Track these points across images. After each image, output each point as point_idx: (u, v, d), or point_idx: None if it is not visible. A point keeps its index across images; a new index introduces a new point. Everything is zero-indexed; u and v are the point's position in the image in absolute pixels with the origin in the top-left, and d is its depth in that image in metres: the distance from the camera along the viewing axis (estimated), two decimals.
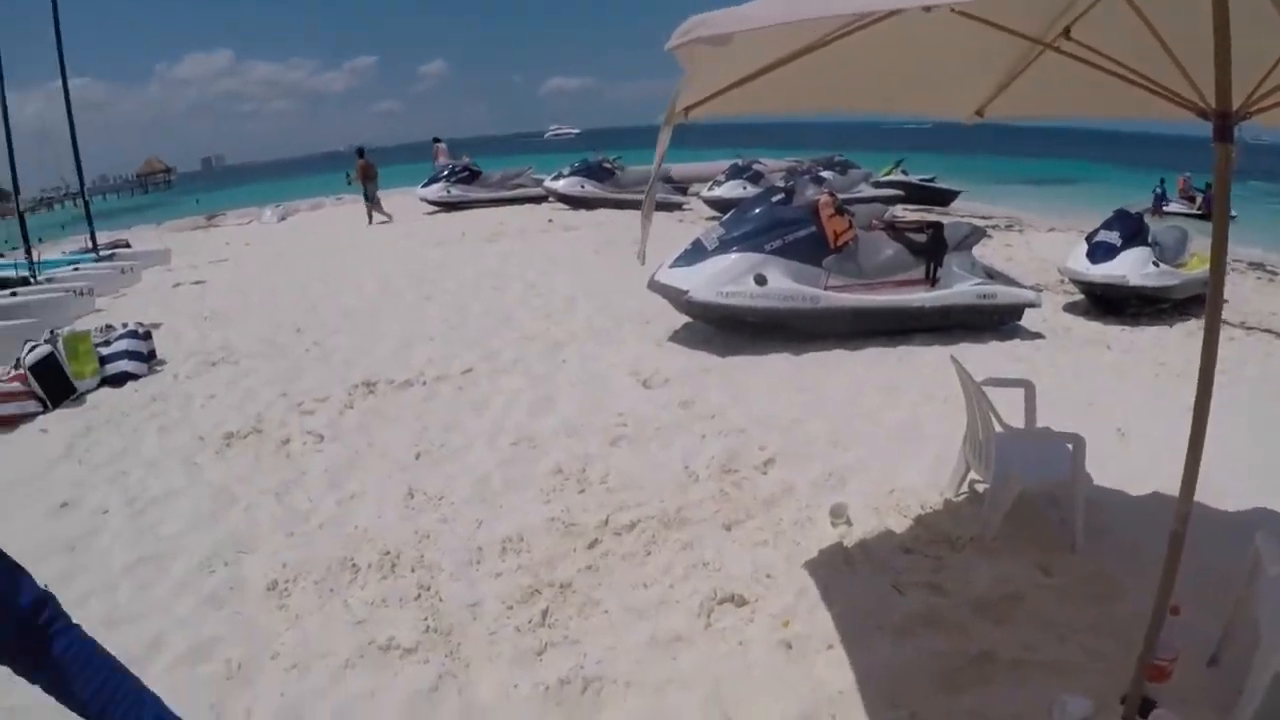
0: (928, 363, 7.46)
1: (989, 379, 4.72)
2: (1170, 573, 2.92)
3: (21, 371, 8.37)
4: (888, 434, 5.90)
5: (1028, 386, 4.91)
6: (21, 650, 1.57)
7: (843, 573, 4.26)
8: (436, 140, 29.65)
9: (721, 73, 3.28)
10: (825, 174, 17.56)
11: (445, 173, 24.43)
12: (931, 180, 24.28)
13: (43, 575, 5.04)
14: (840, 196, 9.50)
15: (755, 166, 20.03)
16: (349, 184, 25.22)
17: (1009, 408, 4.74)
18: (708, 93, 3.41)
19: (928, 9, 2.54)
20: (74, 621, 1.67)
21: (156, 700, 1.67)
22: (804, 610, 3.99)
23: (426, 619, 4.32)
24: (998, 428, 4.49)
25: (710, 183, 20.25)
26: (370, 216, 22.94)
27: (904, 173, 24.14)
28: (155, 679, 4.15)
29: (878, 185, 21.56)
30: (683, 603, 4.17)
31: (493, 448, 6.32)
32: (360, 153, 23.40)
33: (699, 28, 2.41)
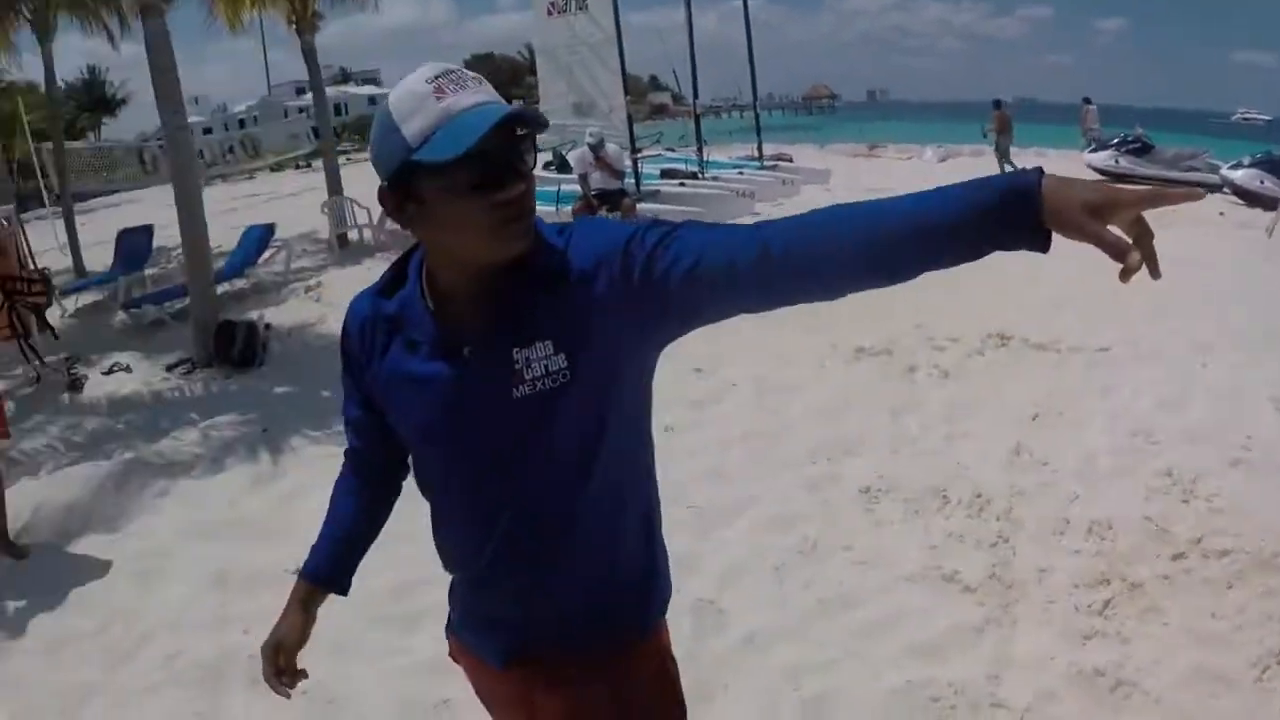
0: None
1: None
2: None
3: None
4: None
5: None
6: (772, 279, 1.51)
7: None
8: (1087, 101, 28.18)
9: None
10: None
11: (1117, 140, 23.10)
12: None
13: (666, 420, 6.14)
14: None
15: None
16: (984, 136, 24.99)
17: None
18: None
19: None
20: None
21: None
22: None
23: (994, 566, 4.71)
24: None
25: None
26: (1001, 168, 22.69)
27: None
28: (736, 532, 4.95)
29: None
30: (1244, 648, 4.08)
31: (1109, 431, 6.35)
32: (997, 104, 23.59)
33: None
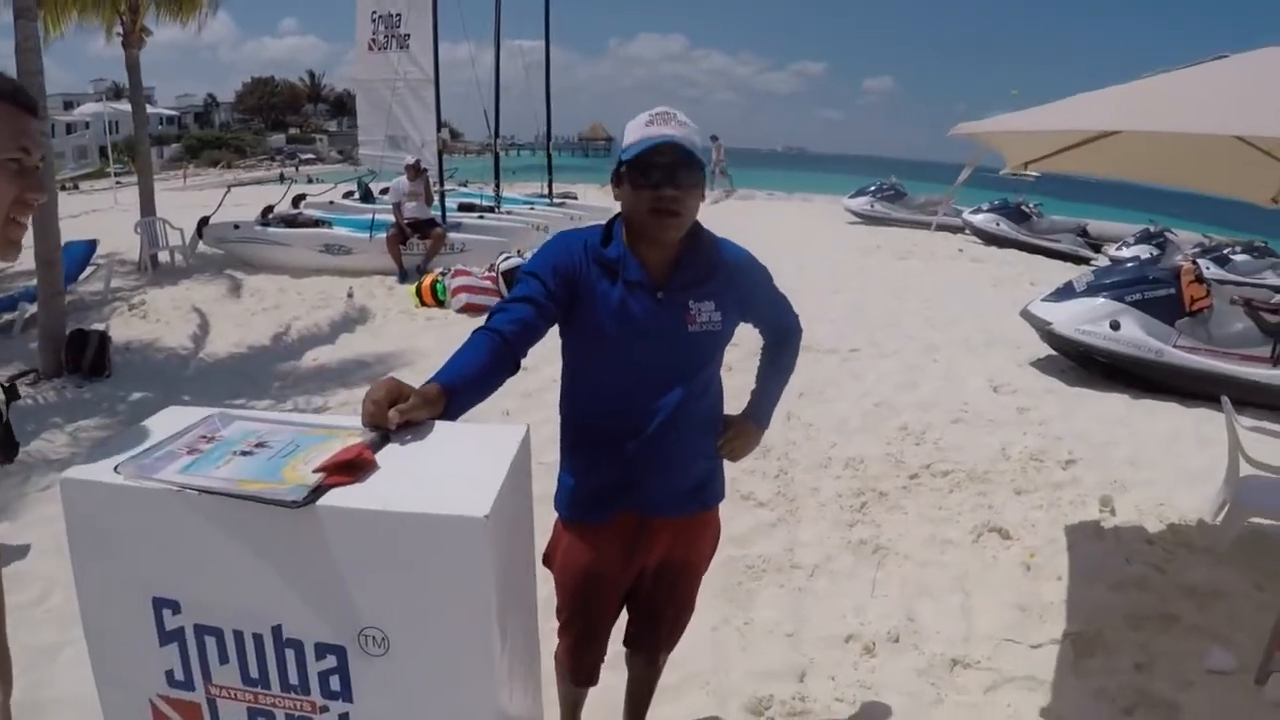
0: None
1: (1257, 426, 5.61)
2: None
3: (494, 274, 11.08)
4: (1185, 471, 6.46)
5: None
6: None
7: (1090, 541, 5.23)
8: (714, 139, 31.31)
9: (1036, 142, 4.42)
10: (1239, 257, 16.05)
11: (874, 188, 25.50)
12: None
13: (505, 407, 6.91)
14: (1245, 279, 9.63)
15: (1167, 235, 18.90)
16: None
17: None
18: (1038, 154, 4.66)
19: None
20: None
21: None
22: (1049, 553, 5.07)
23: (779, 489, 5.89)
24: (1243, 465, 5.11)
25: (1120, 243, 19.50)
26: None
27: None
28: None
29: None
30: (962, 523, 5.43)
31: (858, 404, 7.78)
32: (714, 138, 29.92)
33: (967, 126, 3.74)
